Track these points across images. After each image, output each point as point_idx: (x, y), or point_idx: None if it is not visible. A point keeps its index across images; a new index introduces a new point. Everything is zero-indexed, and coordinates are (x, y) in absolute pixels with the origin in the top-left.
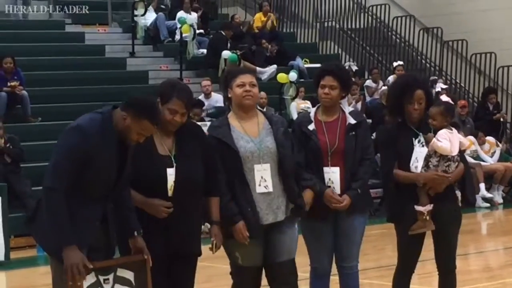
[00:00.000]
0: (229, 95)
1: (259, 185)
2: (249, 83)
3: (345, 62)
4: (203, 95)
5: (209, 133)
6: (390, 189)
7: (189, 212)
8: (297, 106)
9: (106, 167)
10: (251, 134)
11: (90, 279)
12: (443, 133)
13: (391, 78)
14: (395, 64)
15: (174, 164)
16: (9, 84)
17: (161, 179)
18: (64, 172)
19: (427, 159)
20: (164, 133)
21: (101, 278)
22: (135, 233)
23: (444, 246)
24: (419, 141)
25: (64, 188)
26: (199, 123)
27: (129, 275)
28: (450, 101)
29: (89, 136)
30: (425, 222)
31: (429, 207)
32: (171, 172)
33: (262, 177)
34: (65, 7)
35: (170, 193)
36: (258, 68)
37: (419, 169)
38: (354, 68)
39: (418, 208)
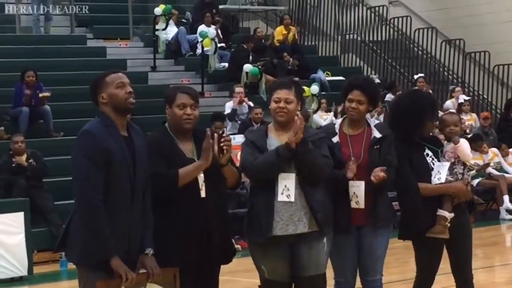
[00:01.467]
0: (270, 107)
1: (282, 193)
2: (284, 99)
3: (367, 74)
4: (233, 103)
5: (245, 135)
6: (416, 203)
7: (222, 212)
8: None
9: (122, 159)
10: None
11: None
12: (466, 141)
13: (388, 97)
14: (416, 76)
15: None
16: (40, 95)
17: (194, 181)
18: (94, 180)
19: (451, 167)
20: (183, 138)
21: None
22: (146, 251)
23: (460, 257)
24: (427, 155)
25: (101, 197)
26: None
27: None
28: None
29: (98, 134)
30: (445, 229)
31: (452, 215)
32: (200, 174)
33: (285, 186)
34: (87, 22)
35: (203, 193)
36: None
37: (442, 180)
38: (377, 81)
39: (443, 213)
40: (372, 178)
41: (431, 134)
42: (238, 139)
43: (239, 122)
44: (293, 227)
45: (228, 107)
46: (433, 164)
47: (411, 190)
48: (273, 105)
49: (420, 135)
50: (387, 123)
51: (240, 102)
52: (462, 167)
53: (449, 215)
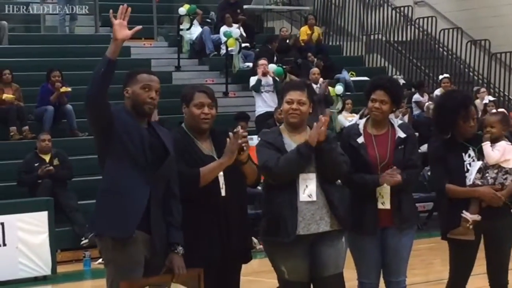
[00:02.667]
0: (281, 108)
1: (303, 193)
2: (297, 100)
3: (392, 75)
4: (260, 75)
5: (260, 137)
6: (444, 205)
7: (242, 211)
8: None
9: (135, 145)
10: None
11: None
12: (503, 144)
13: (437, 92)
14: (441, 77)
15: None
16: (61, 90)
17: (214, 180)
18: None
19: (483, 170)
20: (200, 138)
21: None
22: (176, 250)
23: (497, 261)
24: (469, 156)
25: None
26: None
27: None
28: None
29: (116, 111)
30: (467, 230)
31: (476, 217)
32: (220, 173)
33: (306, 186)
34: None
35: (223, 192)
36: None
37: (470, 181)
38: (402, 81)
39: (466, 214)
40: (386, 178)
41: (478, 133)
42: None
43: (264, 92)
44: (315, 226)
45: (253, 79)
46: (470, 166)
47: (440, 191)
48: (285, 106)
49: (461, 135)
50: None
51: (264, 74)
52: (496, 171)
53: (471, 217)
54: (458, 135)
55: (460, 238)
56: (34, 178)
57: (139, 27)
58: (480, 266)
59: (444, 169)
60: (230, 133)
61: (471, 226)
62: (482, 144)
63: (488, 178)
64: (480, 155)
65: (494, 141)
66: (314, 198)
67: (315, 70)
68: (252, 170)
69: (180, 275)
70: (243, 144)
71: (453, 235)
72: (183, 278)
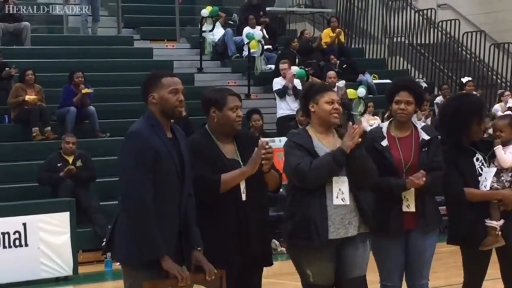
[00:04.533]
0: (312, 109)
1: (337, 197)
2: (337, 101)
3: (414, 77)
4: (285, 80)
5: (288, 138)
6: (462, 209)
7: (262, 216)
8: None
9: (168, 158)
10: (329, 147)
11: None
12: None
13: (439, 99)
14: (464, 80)
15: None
16: (83, 91)
17: (236, 184)
18: (142, 182)
19: (497, 174)
20: (225, 140)
21: None
22: (197, 248)
23: (509, 264)
24: (477, 159)
25: (150, 198)
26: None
27: None
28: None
29: (145, 134)
30: (497, 237)
31: (501, 222)
32: None
33: (340, 189)
34: (134, 23)
35: (244, 196)
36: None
37: (488, 188)
38: (424, 85)
39: (491, 223)
40: (409, 179)
41: (484, 138)
42: (279, 143)
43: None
44: (344, 230)
45: (278, 83)
46: (481, 169)
47: (456, 196)
48: (326, 106)
49: (469, 139)
50: (434, 126)
51: (291, 80)
52: (511, 174)
53: (497, 223)
54: (465, 139)
55: (492, 247)
56: (55, 178)
57: None
58: (494, 270)
59: (457, 173)
60: (260, 141)
61: (499, 233)
62: (494, 148)
63: (504, 181)
64: (490, 160)
65: (504, 144)
66: (347, 202)
67: (331, 73)
68: (273, 178)
69: (211, 273)
70: (267, 155)
71: (485, 246)
72: (213, 275)
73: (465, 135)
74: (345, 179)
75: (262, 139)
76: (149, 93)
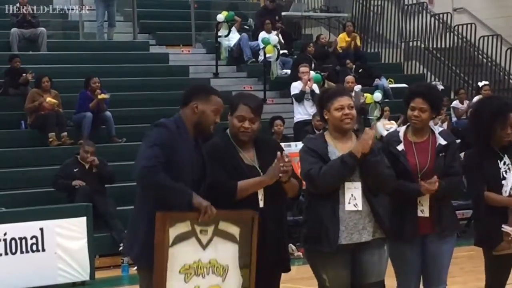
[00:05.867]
0: (325, 116)
1: (349, 202)
2: (347, 105)
3: (430, 81)
4: (303, 85)
5: (304, 143)
6: (481, 212)
7: (281, 222)
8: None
9: (185, 164)
10: (344, 152)
11: (183, 227)
12: None
13: (476, 98)
14: (480, 84)
15: (261, 174)
16: (99, 96)
17: None
18: (154, 155)
19: None
20: (243, 146)
21: (198, 228)
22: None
23: None
24: (504, 163)
25: (158, 165)
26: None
27: (233, 230)
28: None
29: (171, 130)
30: (510, 244)
31: None
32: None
33: (352, 195)
34: (150, 29)
35: (261, 203)
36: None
37: (507, 193)
38: (440, 87)
39: (506, 228)
40: (423, 185)
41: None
42: (295, 147)
43: (304, 100)
44: (357, 235)
45: (296, 87)
46: (506, 173)
47: (475, 198)
48: (336, 113)
49: (497, 142)
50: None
51: (309, 86)
52: None
53: (511, 229)
54: (494, 143)
55: (506, 253)
56: (69, 184)
57: None
58: None
59: (480, 176)
60: (278, 153)
61: None
62: None
63: None
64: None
65: None
66: (360, 208)
67: (349, 78)
68: (292, 186)
69: (210, 213)
70: (285, 167)
71: (498, 251)
72: (233, 216)
73: (489, 138)
74: (358, 185)
75: (279, 153)
76: (192, 101)
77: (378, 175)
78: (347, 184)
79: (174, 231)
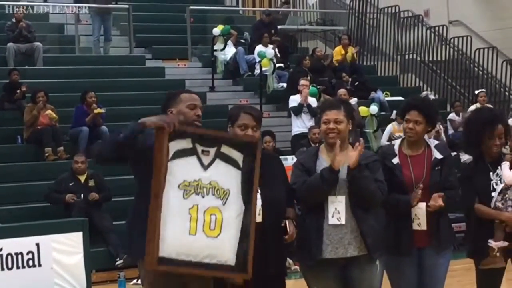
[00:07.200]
0: (320, 129)
1: (332, 216)
2: (334, 120)
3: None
4: (301, 97)
5: (296, 156)
6: (471, 225)
7: (279, 236)
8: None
9: None
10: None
11: (183, 144)
12: None
13: (472, 107)
14: (477, 92)
15: (259, 189)
16: (95, 111)
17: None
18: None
19: (503, 192)
20: None
21: (199, 148)
22: None
23: None
24: (497, 175)
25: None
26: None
27: (236, 156)
28: None
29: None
30: (495, 258)
31: (502, 243)
32: (257, 197)
33: (336, 209)
34: (146, 43)
35: (259, 218)
36: None
37: (493, 204)
38: (432, 97)
39: (491, 243)
40: (429, 205)
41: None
42: (292, 161)
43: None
44: (342, 250)
45: (294, 100)
46: (495, 185)
47: (466, 211)
48: (323, 126)
49: (487, 153)
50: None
51: (305, 99)
52: None
53: (496, 244)
54: (486, 154)
55: (491, 267)
56: (62, 198)
57: None
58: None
59: (472, 188)
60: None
61: (498, 254)
62: (502, 164)
63: (507, 200)
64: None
65: None
66: (343, 222)
67: (342, 91)
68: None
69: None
70: None
71: (484, 265)
72: (235, 141)
73: (481, 149)
74: (342, 199)
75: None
76: (167, 109)
77: (363, 190)
78: (330, 198)
79: (174, 145)
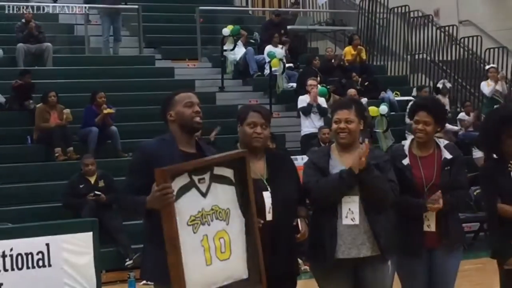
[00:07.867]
0: (331, 128)
1: (346, 216)
2: (344, 119)
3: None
4: (309, 98)
5: (307, 155)
6: (494, 225)
7: (290, 235)
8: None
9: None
10: (347, 166)
11: (182, 180)
12: None
13: (484, 84)
14: (487, 67)
15: (269, 188)
16: (105, 111)
17: (258, 203)
18: (128, 184)
19: None
20: (254, 158)
21: (196, 178)
22: None
23: None
24: None
25: (128, 190)
26: None
27: (228, 172)
28: None
29: (146, 148)
30: None
31: None
32: (267, 196)
33: (349, 209)
34: (155, 43)
35: (269, 217)
36: None
37: None
38: (448, 85)
39: None
40: (428, 207)
41: None
42: (302, 161)
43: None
44: (356, 250)
45: (303, 101)
46: None
47: (489, 211)
48: (334, 126)
49: (506, 152)
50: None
51: (315, 99)
52: None
53: None
54: (506, 153)
55: None
56: (80, 202)
57: None
58: None
59: (494, 188)
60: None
61: None
62: None
63: None
64: None
65: None
66: (357, 222)
67: (351, 91)
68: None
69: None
70: None
71: (508, 265)
72: (225, 159)
73: (498, 147)
74: (356, 199)
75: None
76: (166, 113)
77: (376, 191)
78: (344, 198)
79: (175, 185)
